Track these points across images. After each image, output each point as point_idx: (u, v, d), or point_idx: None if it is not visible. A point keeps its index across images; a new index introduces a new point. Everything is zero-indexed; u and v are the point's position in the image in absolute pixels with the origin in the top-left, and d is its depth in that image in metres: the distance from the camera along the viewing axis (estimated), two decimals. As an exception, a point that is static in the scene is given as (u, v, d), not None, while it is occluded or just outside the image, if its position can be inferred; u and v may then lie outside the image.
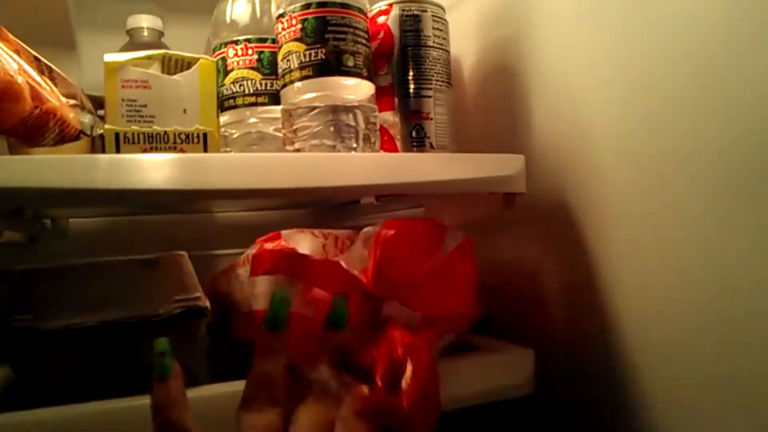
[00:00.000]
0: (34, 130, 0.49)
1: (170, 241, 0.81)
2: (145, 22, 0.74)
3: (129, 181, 0.46)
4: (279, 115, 0.59)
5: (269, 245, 0.56)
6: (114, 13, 0.86)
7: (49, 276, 0.49)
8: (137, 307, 0.48)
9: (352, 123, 0.53)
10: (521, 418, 0.62)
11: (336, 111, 0.53)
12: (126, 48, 0.73)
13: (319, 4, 0.53)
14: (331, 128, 0.53)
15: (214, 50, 0.63)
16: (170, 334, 0.49)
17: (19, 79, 0.47)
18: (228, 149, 0.60)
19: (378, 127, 0.57)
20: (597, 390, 0.55)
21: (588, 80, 0.55)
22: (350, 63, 0.54)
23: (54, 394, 0.46)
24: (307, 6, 0.53)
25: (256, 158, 0.54)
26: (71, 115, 0.51)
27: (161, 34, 0.76)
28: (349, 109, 0.53)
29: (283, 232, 0.60)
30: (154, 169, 0.47)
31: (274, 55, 0.60)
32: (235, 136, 0.60)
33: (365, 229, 0.59)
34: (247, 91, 0.60)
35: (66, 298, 0.48)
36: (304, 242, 0.59)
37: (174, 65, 0.57)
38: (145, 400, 0.45)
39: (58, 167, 0.45)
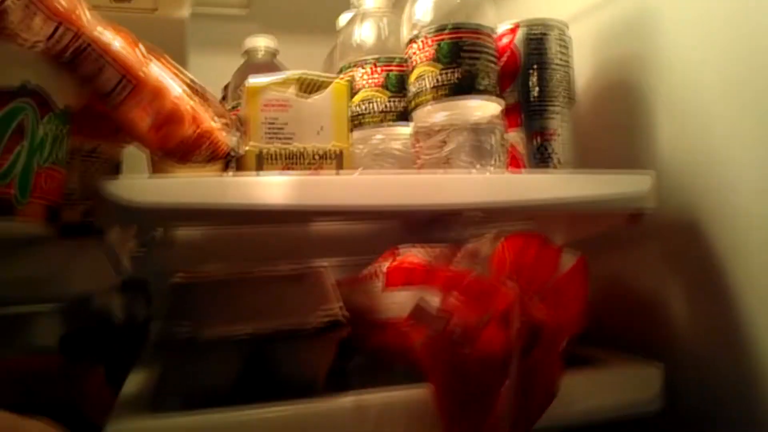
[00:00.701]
0: (190, 150, 0.53)
1: (267, 251, 0.85)
2: (261, 42, 0.78)
3: (258, 198, 0.49)
4: (405, 133, 0.61)
5: (398, 260, 0.59)
6: (217, 32, 0.91)
7: (206, 288, 0.52)
8: (286, 318, 0.51)
9: (489, 142, 0.55)
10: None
11: (473, 131, 0.55)
12: (244, 69, 0.77)
13: (454, 28, 0.55)
14: (467, 147, 0.54)
15: (341, 71, 0.65)
16: (315, 344, 0.52)
17: (183, 103, 0.50)
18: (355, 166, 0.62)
19: (507, 145, 0.58)
20: (730, 410, 0.55)
21: (723, 95, 0.55)
22: (483, 83, 0.55)
23: (207, 398, 0.48)
24: (442, 29, 0.55)
25: (379, 178, 0.56)
26: (222, 135, 0.55)
27: (275, 53, 0.79)
28: (485, 128, 0.55)
29: (400, 248, 0.62)
30: (277, 188, 0.49)
31: (400, 74, 0.62)
32: (362, 153, 0.62)
33: (468, 245, 0.60)
34: (374, 110, 0.62)
35: (222, 308, 0.50)
36: (419, 256, 0.61)
37: (308, 86, 0.59)
38: (291, 407, 0.48)
39: (196, 187, 0.48)
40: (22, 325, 0.74)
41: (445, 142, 0.56)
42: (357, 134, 0.62)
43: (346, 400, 0.50)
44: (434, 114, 0.56)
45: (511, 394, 0.44)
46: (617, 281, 0.67)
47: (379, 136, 0.63)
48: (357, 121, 0.63)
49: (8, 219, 0.42)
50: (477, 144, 0.55)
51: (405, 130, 0.61)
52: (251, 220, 0.69)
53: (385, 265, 0.59)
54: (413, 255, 0.60)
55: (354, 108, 0.63)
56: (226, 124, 0.56)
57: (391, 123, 0.62)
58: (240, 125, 0.58)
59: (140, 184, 0.45)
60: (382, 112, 0.62)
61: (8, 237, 0.43)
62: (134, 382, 0.55)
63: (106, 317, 0.74)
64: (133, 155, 0.63)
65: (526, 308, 0.47)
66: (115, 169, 0.64)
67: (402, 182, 0.53)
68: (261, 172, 0.54)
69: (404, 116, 0.61)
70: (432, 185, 0.53)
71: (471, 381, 0.46)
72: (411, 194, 0.52)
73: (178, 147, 0.51)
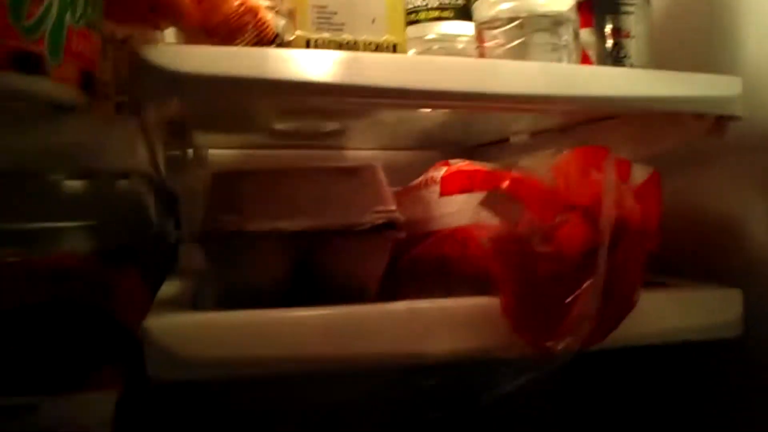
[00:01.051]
0: (235, 30, 0.48)
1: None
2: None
3: (303, 72, 0.43)
4: (463, 31, 0.56)
5: (455, 166, 0.54)
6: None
7: (251, 179, 0.47)
8: (339, 215, 0.46)
9: (558, 36, 0.49)
10: (719, 363, 0.57)
11: (543, 23, 0.49)
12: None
13: None
14: (536, 41, 0.49)
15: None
16: (369, 244, 0.48)
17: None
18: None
19: (580, 42, 0.52)
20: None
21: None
22: (556, -30, 0.50)
23: (251, 302, 0.44)
24: None
25: (421, 59, 0.51)
26: (269, 17, 0.50)
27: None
28: (555, 21, 0.49)
29: (451, 161, 0.57)
30: (324, 63, 0.44)
31: (461, -34, 0.56)
32: (414, 51, 0.57)
33: (524, 160, 0.56)
34: (431, 5, 0.57)
35: (270, 201, 0.46)
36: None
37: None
38: (342, 310, 0.44)
39: (240, 56, 0.43)
40: (51, 241, 0.70)
41: (512, 37, 0.50)
42: (410, 31, 0.57)
43: (399, 305, 0.45)
44: (496, 5, 0.50)
45: (593, 294, 0.40)
46: (689, 203, 0.62)
47: (432, 35, 0.57)
48: (411, 18, 0.57)
49: (39, 78, 0.37)
50: (547, 38, 0.50)
51: (463, 28, 0.56)
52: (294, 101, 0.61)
53: (441, 171, 0.54)
54: (469, 163, 0.55)
55: (409, 2, 0.57)
56: (274, 6, 0.51)
57: (448, 19, 0.57)
58: (287, 11, 0.53)
59: (184, 50, 0.41)
60: (438, 7, 0.57)
61: (39, 99, 0.38)
62: (172, 284, 0.51)
63: (139, 229, 0.69)
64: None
65: (616, 200, 0.42)
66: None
67: (459, 64, 0.47)
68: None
69: (464, 13, 0.56)
70: (490, 70, 0.47)
71: (546, 282, 0.41)
72: (469, 78, 0.46)
73: (221, 25, 0.47)
